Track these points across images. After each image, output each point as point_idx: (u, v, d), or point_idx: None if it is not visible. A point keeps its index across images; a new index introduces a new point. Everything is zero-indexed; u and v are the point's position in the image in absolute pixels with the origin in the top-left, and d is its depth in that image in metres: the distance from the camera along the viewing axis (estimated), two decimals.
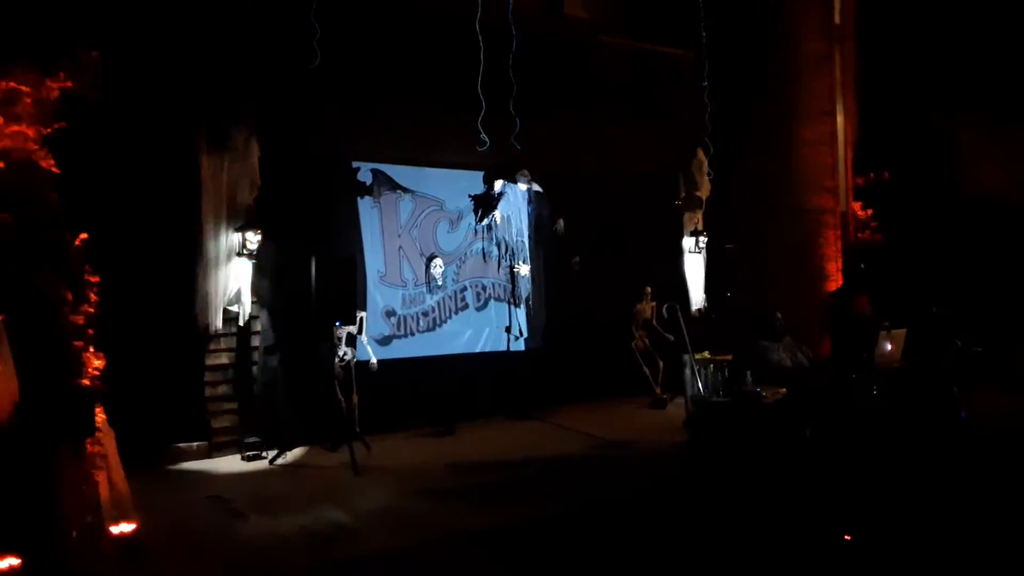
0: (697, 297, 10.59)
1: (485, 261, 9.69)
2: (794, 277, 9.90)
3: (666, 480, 6.20)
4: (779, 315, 6.57)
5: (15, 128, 4.68)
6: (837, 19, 10.88)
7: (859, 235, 11.05)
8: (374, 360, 7.92)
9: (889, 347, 6.31)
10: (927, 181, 10.48)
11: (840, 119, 10.94)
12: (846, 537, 4.58)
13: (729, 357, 7.07)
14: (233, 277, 7.43)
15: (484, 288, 9.75)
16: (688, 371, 7.10)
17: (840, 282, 10.03)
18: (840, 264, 10.21)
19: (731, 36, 10.33)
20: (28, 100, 4.70)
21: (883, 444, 5.60)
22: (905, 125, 10.58)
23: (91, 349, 4.75)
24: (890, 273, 9.93)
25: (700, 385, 6.82)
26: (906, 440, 5.73)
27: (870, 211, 11.23)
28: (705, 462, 5.85)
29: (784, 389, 5.81)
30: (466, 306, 9.58)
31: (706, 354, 7.44)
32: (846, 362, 6.35)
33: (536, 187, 9.83)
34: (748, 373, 5.91)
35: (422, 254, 9.20)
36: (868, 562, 4.35)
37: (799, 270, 10.00)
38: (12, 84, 4.64)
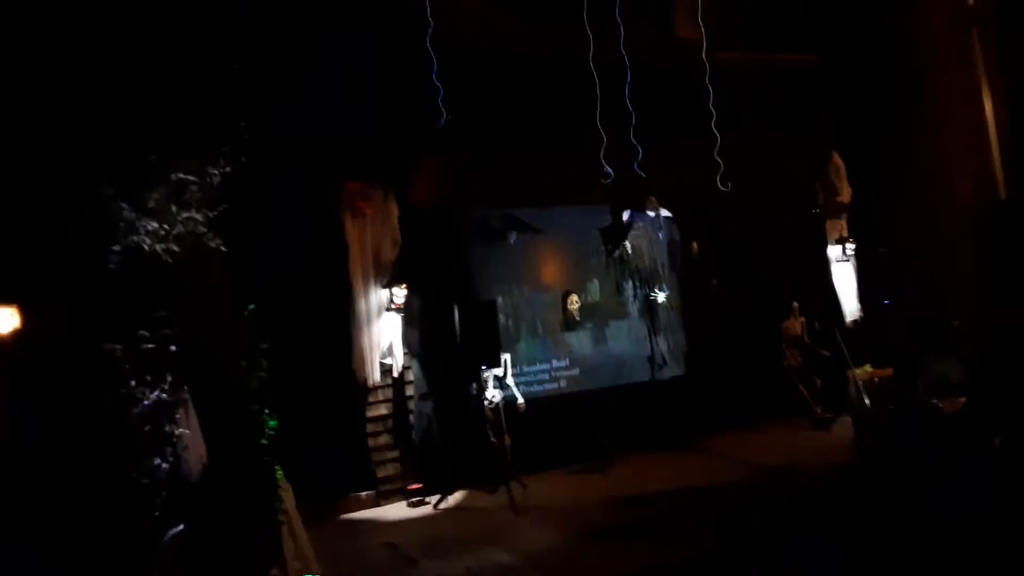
0: (851, 308, 10.02)
1: (620, 293, 9.63)
2: (953, 277, 9.19)
3: (837, 505, 5.86)
4: (955, 322, 6.10)
5: (186, 215, 5.15)
6: (971, 1, 10.21)
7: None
8: (521, 400, 8.01)
9: None
10: None
11: (988, 104, 10.18)
12: None
13: (892, 371, 6.62)
14: (385, 331, 7.80)
15: (622, 319, 9.66)
16: (852, 387, 6.70)
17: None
18: None
19: (857, 33, 9.89)
20: (195, 188, 5.18)
21: None
22: None
23: (266, 411, 5.09)
24: None
25: (867, 401, 6.41)
26: None
27: None
28: (882, 482, 5.47)
29: (963, 399, 5.37)
30: (605, 339, 9.53)
31: (868, 368, 7.02)
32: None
33: (665, 212, 9.72)
34: (920, 384, 5.51)
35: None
36: None
37: (957, 269, 9.28)
38: (180, 175, 5.12)
